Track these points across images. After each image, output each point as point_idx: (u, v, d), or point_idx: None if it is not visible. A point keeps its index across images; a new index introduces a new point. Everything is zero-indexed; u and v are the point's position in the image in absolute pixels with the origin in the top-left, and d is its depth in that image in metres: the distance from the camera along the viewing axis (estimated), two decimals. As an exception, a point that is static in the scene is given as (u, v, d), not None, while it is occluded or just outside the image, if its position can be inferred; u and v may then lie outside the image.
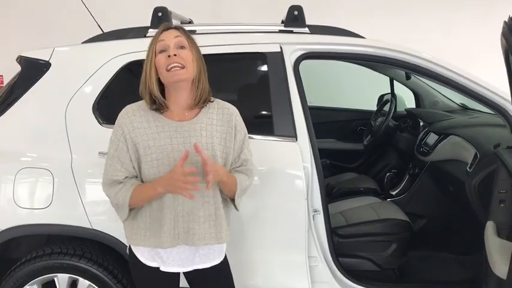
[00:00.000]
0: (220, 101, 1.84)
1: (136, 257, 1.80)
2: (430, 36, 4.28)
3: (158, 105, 1.72)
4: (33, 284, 2.30)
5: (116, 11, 4.19)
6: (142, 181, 1.73)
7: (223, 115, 1.78)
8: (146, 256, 1.79)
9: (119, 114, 1.76)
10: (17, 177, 2.23)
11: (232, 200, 1.82)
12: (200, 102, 1.75)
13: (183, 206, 1.70)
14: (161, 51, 1.68)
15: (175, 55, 1.65)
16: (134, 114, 1.73)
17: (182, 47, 1.69)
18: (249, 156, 1.85)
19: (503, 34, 1.61)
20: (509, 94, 1.99)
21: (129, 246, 1.83)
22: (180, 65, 1.65)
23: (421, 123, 3.37)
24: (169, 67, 1.65)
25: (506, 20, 1.60)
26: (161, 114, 1.73)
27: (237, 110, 1.85)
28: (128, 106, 1.78)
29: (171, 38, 1.69)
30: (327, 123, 3.92)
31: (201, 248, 1.79)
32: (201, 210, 1.72)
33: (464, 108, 3.61)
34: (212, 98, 1.81)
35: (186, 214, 1.71)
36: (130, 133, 1.70)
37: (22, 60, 2.40)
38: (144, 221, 1.74)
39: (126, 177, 1.72)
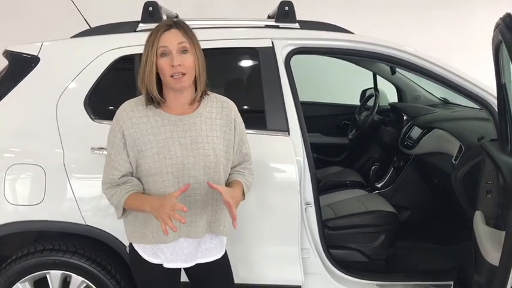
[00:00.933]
0: (218, 95, 1.85)
1: (138, 254, 1.80)
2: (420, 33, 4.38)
3: (156, 103, 1.71)
4: (25, 282, 2.27)
5: (101, 5, 4.13)
6: (143, 176, 1.72)
7: (222, 109, 1.79)
8: (148, 253, 1.79)
9: (117, 111, 1.74)
10: (7, 174, 2.19)
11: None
12: (199, 97, 1.75)
13: (184, 200, 1.70)
14: (163, 55, 1.65)
15: (179, 65, 1.63)
16: (132, 110, 1.71)
17: (185, 51, 1.66)
18: (249, 150, 1.88)
19: (499, 30, 1.65)
20: (495, 88, 2.07)
21: (130, 243, 1.82)
22: (183, 72, 1.65)
23: (405, 117, 3.42)
24: (172, 75, 1.64)
25: (502, 17, 1.64)
26: (160, 108, 1.73)
27: (235, 105, 1.86)
28: (126, 102, 1.76)
29: (173, 44, 1.64)
30: (311, 118, 3.93)
31: (202, 242, 1.81)
32: (203, 203, 1.74)
33: (445, 102, 3.69)
34: (209, 92, 1.81)
35: (188, 208, 1.71)
36: (129, 129, 1.69)
37: (8, 55, 2.36)
38: (144, 218, 1.74)
39: (123, 176, 1.71)
